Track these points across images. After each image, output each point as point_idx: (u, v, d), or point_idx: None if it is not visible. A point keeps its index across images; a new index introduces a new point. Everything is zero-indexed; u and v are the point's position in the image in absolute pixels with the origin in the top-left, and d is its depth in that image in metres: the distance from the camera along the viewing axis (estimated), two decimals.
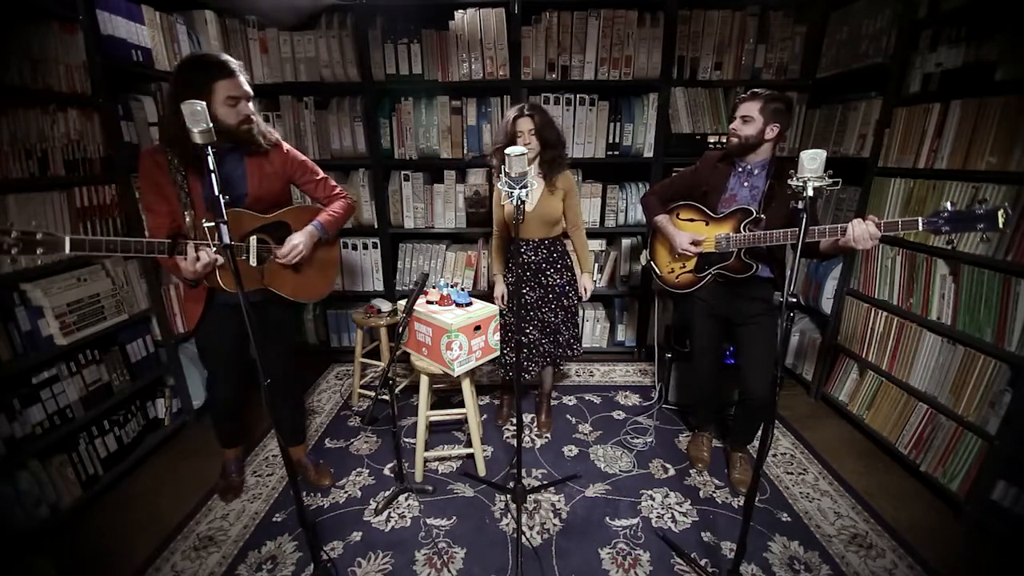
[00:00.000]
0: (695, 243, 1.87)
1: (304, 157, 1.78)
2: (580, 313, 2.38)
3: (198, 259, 1.43)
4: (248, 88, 1.51)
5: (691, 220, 1.93)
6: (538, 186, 2.05)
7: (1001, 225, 1.26)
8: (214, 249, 1.45)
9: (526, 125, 1.96)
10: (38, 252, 1.18)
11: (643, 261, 2.22)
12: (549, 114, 2.03)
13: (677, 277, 2.00)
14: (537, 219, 2.07)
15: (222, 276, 1.54)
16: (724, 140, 2.70)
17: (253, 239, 1.60)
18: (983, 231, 1.30)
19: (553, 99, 2.72)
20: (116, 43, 2.03)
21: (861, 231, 1.41)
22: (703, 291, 1.95)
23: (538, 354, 2.20)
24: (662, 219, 1.99)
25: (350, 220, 2.93)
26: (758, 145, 1.73)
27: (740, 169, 1.82)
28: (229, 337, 1.74)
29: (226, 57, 1.47)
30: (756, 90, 1.73)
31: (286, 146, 1.72)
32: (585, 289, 2.21)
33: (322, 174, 1.82)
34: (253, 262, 1.60)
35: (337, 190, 1.86)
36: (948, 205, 1.32)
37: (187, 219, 1.48)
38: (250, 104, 1.52)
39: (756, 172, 1.79)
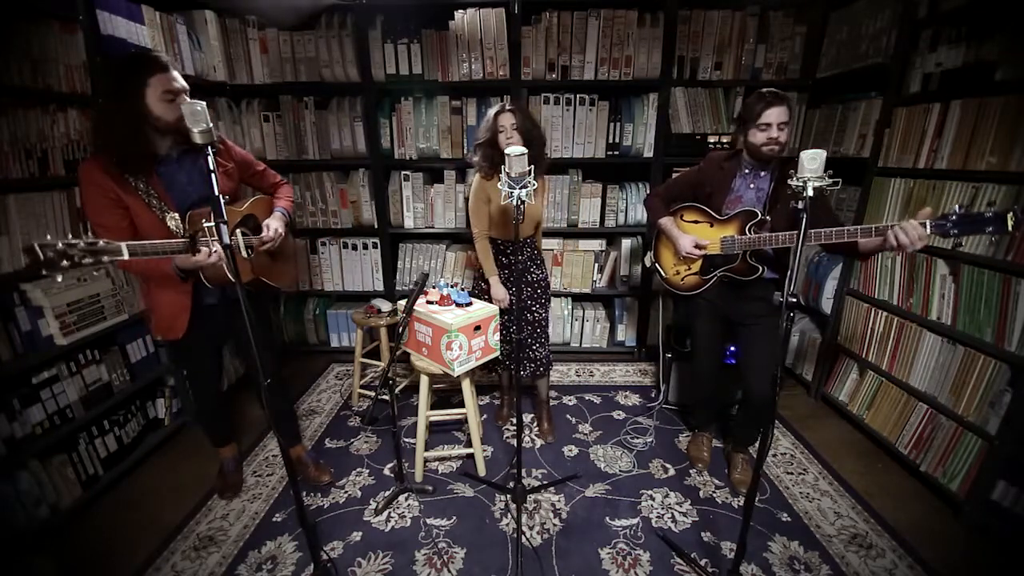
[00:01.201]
0: (699, 246, 1.87)
1: (244, 151, 1.79)
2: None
3: (216, 252, 1.42)
4: (183, 83, 1.45)
5: (695, 222, 1.93)
6: None
7: (1011, 228, 1.24)
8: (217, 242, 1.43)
9: (508, 120, 1.94)
10: (104, 260, 1.20)
11: (647, 263, 2.21)
12: (531, 113, 2.05)
13: (683, 279, 2.00)
14: (527, 217, 2.05)
15: (228, 270, 1.54)
16: (725, 140, 2.70)
17: (239, 232, 1.61)
18: (992, 234, 1.28)
19: (553, 99, 2.72)
20: (116, 43, 2.03)
21: (916, 234, 1.32)
22: (707, 292, 1.94)
23: (531, 359, 2.23)
24: (666, 221, 1.98)
25: (350, 220, 2.98)
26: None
27: (747, 171, 1.80)
28: (209, 337, 1.75)
29: (157, 52, 1.43)
30: (776, 91, 1.64)
31: (229, 142, 1.73)
32: None
33: (262, 165, 1.84)
34: (244, 253, 1.62)
35: (278, 177, 1.89)
36: (957, 207, 1.31)
37: (171, 224, 1.47)
38: (186, 97, 1.45)
39: (763, 174, 1.78)
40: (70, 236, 1.16)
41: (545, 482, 2.04)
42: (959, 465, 1.87)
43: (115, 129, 1.38)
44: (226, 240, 1.19)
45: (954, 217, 1.31)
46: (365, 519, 1.86)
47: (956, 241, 1.34)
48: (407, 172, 2.88)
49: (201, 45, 2.49)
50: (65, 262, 1.13)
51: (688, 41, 2.64)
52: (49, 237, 1.13)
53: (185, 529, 1.82)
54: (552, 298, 2.31)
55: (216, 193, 1.17)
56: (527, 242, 2.18)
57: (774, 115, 1.61)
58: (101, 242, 1.19)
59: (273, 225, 1.68)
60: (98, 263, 1.20)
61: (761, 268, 1.77)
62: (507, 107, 1.97)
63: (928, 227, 1.33)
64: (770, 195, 1.75)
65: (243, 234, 1.62)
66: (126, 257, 1.24)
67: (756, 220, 1.74)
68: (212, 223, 1.29)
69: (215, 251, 1.40)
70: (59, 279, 1.14)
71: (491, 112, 1.99)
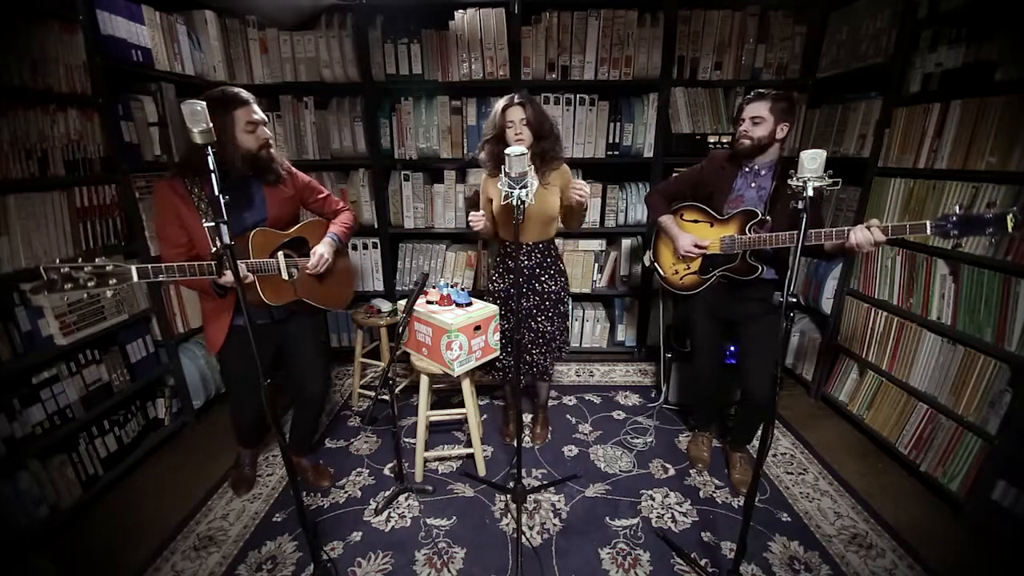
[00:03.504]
0: (698, 245, 1.87)
1: (308, 178, 1.85)
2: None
3: (244, 276, 1.49)
4: (262, 115, 1.59)
5: (695, 221, 1.93)
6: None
7: (1011, 229, 1.26)
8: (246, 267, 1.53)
9: (517, 115, 1.82)
10: (111, 283, 1.24)
11: (646, 262, 2.19)
12: (540, 104, 1.90)
13: (681, 278, 2.00)
14: (534, 217, 1.93)
15: (262, 289, 1.63)
16: (725, 140, 2.70)
17: (280, 255, 1.68)
18: (992, 235, 1.30)
19: (553, 99, 2.72)
20: (116, 43, 2.03)
21: (864, 237, 1.43)
22: (706, 291, 1.94)
23: (525, 362, 2.12)
24: (666, 219, 1.98)
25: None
26: (769, 145, 1.72)
27: (747, 170, 1.81)
28: (252, 356, 1.77)
29: (239, 88, 1.56)
30: (760, 91, 1.71)
31: (294, 170, 1.80)
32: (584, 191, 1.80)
33: (325, 191, 1.91)
34: (285, 276, 1.68)
35: (340, 204, 1.95)
36: (956, 208, 1.33)
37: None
38: (266, 129, 1.61)
39: (763, 173, 1.78)
40: (80, 259, 1.21)
41: (545, 482, 2.04)
42: (959, 465, 1.87)
43: (198, 157, 1.45)
44: (226, 240, 1.20)
45: (954, 218, 1.32)
46: (365, 519, 1.86)
47: (956, 241, 1.35)
48: (407, 172, 2.87)
49: (201, 45, 2.49)
50: (69, 284, 1.17)
51: (688, 41, 2.64)
52: (57, 260, 1.17)
53: (185, 529, 1.82)
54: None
55: (217, 193, 1.18)
56: (538, 246, 2.03)
57: (747, 111, 1.71)
58: (109, 266, 1.24)
59: (319, 251, 1.75)
60: (105, 285, 1.23)
61: (761, 268, 1.77)
62: (516, 100, 1.83)
63: (887, 232, 1.41)
64: (771, 194, 1.75)
65: (286, 256, 1.69)
66: (135, 280, 1.30)
67: (757, 220, 1.74)
68: (208, 224, 1.31)
69: (242, 273, 1.44)
70: (66, 299, 1.17)
71: (498, 106, 1.87)
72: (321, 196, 1.88)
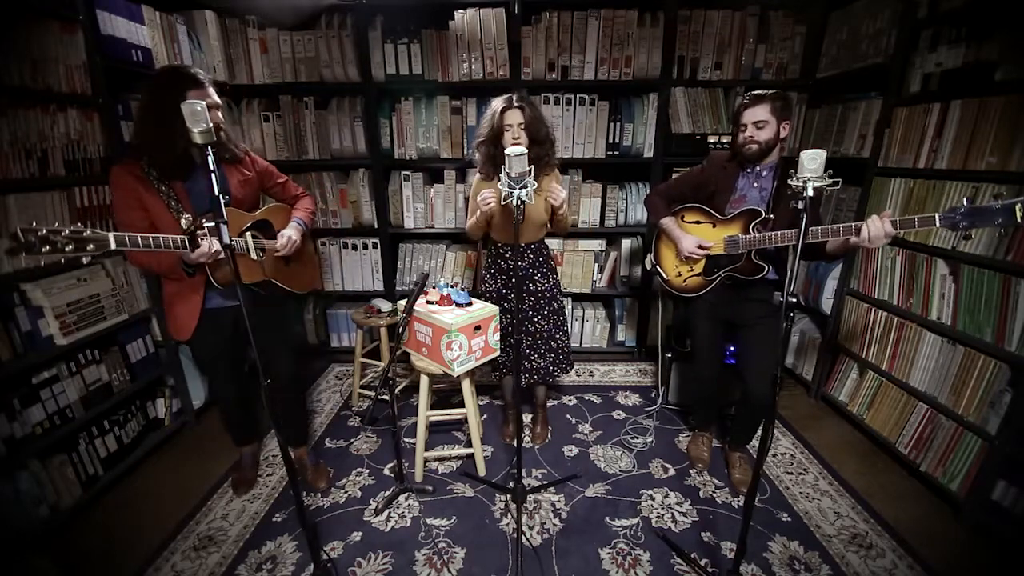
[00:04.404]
0: (702, 246, 1.86)
1: (267, 163, 1.86)
2: (568, 319, 2.27)
3: (214, 249, 1.48)
4: (217, 99, 1.57)
5: (697, 222, 1.92)
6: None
7: (1020, 219, 1.25)
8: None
9: (516, 118, 1.80)
10: (88, 249, 1.22)
11: (648, 266, 2.18)
12: (538, 107, 1.88)
13: (685, 281, 1.99)
14: (526, 221, 1.91)
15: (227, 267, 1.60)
16: (725, 140, 2.70)
17: (248, 235, 1.68)
18: (1000, 226, 1.31)
19: (553, 99, 2.72)
20: (116, 43, 2.03)
21: (877, 230, 1.42)
22: (709, 293, 1.94)
23: (527, 370, 2.13)
24: (667, 221, 1.98)
25: (350, 220, 2.98)
26: (774, 147, 1.73)
27: (749, 170, 1.81)
28: (226, 339, 1.78)
29: (196, 69, 1.54)
30: (757, 92, 1.71)
31: (252, 154, 1.81)
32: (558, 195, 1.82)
33: (285, 177, 1.92)
34: (254, 256, 1.69)
35: (299, 190, 1.97)
36: (965, 201, 1.33)
37: (183, 224, 1.52)
38: (219, 113, 1.60)
39: (764, 173, 1.78)
40: (56, 224, 1.18)
41: (545, 482, 2.04)
42: (959, 465, 1.87)
43: (152, 137, 1.47)
44: (226, 240, 1.20)
45: (963, 210, 1.32)
46: (365, 519, 1.86)
47: (964, 234, 1.35)
48: (407, 172, 2.87)
49: (201, 45, 2.49)
50: (46, 247, 1.14)
51: (688, 41, 2.64)
52: (34, 224, 1.14)
53: (185, 529, 1.82)
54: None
55: (216, 193, 1.18)
56: (530, 247, 2.05)
57: (748, 116, 1.70)
58: (87, 231, 1.22)
59: (288, 234, 1.76)
60: (82, 251, 1.21)
61: (766, 267, 1.77)
62: (515, 102, 1.80)
63: (896, 225, 1.41)
64: (773, 194, 1.75)
65: (254, 237, 1.69)
66: (112, 247, 1.27)
67: (760, 219, 1.74)
68: (208, 224, 1.31)
69: (214, 249, 1.45)
70: (41, 263, 1.15)
71: (496, 106, 1.84)
72: (280, 181, 1.89)
